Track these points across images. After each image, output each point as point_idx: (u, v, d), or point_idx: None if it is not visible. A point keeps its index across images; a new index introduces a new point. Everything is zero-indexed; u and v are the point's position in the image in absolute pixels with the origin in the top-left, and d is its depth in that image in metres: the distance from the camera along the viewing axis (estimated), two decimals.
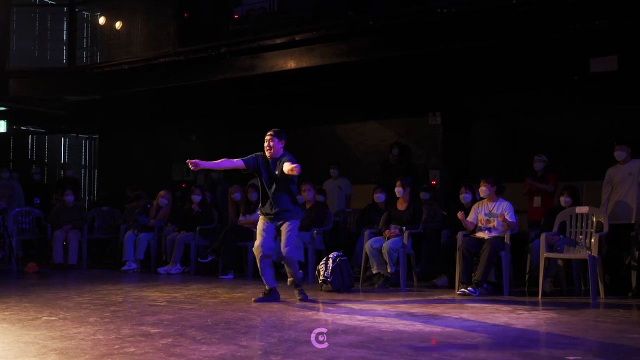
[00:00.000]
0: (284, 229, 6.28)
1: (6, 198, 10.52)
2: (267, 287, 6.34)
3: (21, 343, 4.24)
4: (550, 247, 6.83)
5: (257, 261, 6.35)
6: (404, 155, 10.24)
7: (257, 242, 6.32)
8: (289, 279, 6.47)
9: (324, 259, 7.14)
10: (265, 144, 6.25)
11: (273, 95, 11.24)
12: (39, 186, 12.04)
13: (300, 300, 6.28)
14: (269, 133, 6.26)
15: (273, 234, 6.39)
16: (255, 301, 6.23)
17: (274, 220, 6.29)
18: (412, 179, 8.23)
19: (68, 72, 11.81)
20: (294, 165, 5.81)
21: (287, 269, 6.41)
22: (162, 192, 9.86)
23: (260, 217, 6.42)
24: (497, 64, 9.29)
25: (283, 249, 6.24)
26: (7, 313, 5.42)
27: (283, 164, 6.02)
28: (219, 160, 6.37)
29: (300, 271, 6.69)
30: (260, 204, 6.43)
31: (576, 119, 9.30)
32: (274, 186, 6.25)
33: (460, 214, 7.13)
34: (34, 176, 12.13)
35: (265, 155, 6.30)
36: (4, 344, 4.26)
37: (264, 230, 6.32)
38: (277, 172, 6.18)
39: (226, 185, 11.08)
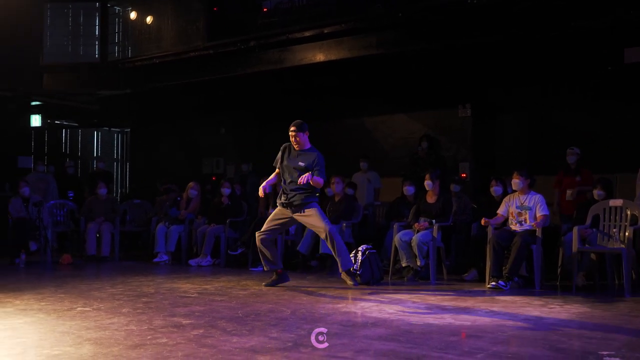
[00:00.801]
0: (307, 215, 6.45)
1: (41, 191, 10.70)
2: (268, 269, 6.77)
3: (57, 333, 4.32)
4: (583, 241, 6.73)
5: (257, 245, 6.68)
6: (433, 148, 10.17)
7: (263, 228, 6.69)
8: (340, 269, 6.58)
9: (353, 252, 7.12)
10: (292, 139, 6.52)
11: (302, 88, 11.24)
12: (72, 179, 12.23)
13: (354, 285, 6.46)
14: (291, 129, 6.50)
15: (279, 226, 6.71)
16: (265, 285, 6.66)
17: (288, 204, 6.49)
18: (441, 171, 8.18)
19: (100, 67, 11.96)
20: (304, 177, 6.24)
21: (333, 252, 6.51)
22: (191, 184, 9.93)
23: (278, 205, 6.70)
24: (526, 56, 9.16)
25: (322, 230, 6.42)
26: (43, 303, 5.52)
27: (308, 170, 6.34)
28: (271, 177, 6.83)
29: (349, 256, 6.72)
30: (279, 194, 6.68)
31: (608, 111, 9.14)
32: (292, 175, 6.49)
33: (484, 221, 7.02)
34: (68, 170, 12.32)
35: (292, 146, 6.58)
36: (40, 333, 4.34)
37: (272, 219, 6.69)
38: (300, 164, 6.43)
39: (256, 178, 11.12)
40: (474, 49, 9.00)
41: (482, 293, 6.43)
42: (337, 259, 6.53)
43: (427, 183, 7.79)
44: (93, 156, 15.13)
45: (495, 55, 9.22)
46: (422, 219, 7.65)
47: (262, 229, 6.69)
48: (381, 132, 11.24)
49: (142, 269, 8.41)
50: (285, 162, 6.58)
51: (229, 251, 8.75)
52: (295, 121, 6.52)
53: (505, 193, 7.48)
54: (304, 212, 6.47)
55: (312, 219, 6.47)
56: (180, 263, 9.17)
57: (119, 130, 15.49)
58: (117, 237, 9.73)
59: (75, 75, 12.09)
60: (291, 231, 8.75)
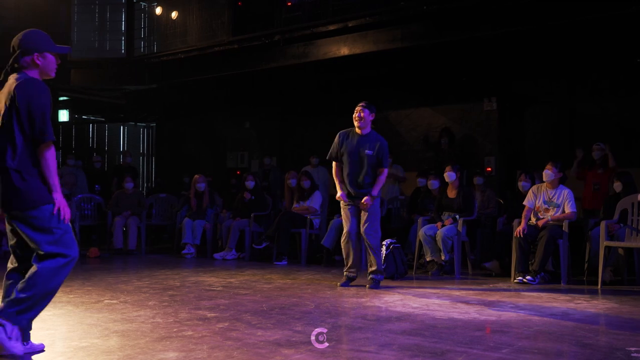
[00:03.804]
0: (369, 207, 6.16)
1: (70, 185, 10.85)
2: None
3: (85, 325, 4.38)
4: (611, 236, 6.64)
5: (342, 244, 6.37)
6: (453, 142, 10.09)
7: (345, 229, 6.32)
8: (369, 270, 6.30)
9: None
10: (355, 115, 6.20)
11: (326, 82, 11.23)
12: (99, 174, 12.37)
13: (370, 287, 6.17)
14: (359, 104, 6.21)
15: (358, 219, 6.26)
16: (341, 285, 6.30)
17: (356, 199, 6.21)
18: (461, 165, 8.12)
19: (126, 62, 12.07)
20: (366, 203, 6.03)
21: (368, 256, 6.31)
22: (196, 177, 9.84)
23: (341, 202, 6.31)
24: (552, 48, 9.02)
25: (363, 232, 6.21)
26: (71, 296, 5.61)
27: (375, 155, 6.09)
28: (335, 178, 6.38)
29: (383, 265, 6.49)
30: (343, 183, 6.31)
31: (637, 103, 8.98)
32: (357, 165, 6.17)
33: (518, 232, 6.75)
34: (95, 164, 12.47)
35: (353, 131, 6.26)
36: (68, 325, 4.41)
37: (348, 217, 6.27)
38: (368, 152, 6.09)
39: (278, 172, 11.17)
40: (499, 41, 8.89)
41: (508, 288, 6.39)
42: (370, 262, 6.28)
43: (449, 174, 7.72)
44: (119, 150, 15.30)
45: (521, 47, 9.10)
46: (445, 214, 7.61)
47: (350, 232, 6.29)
48: (405, 126, 11.19)
49: (168, 263, 8.50)
50: (347, 150, 6.20)
51: (253, 245, 8.79)
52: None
53: None
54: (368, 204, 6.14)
55: (369, 215, 6.17)
56: (205, 257, 9.24)
57: (144, 124, 15.64)
58: (144, 230, 9.83)
59: (102, 70, 12.21)
60: (315, 225, 8.77)
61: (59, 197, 3.48)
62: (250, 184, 9.47)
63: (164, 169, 14.65)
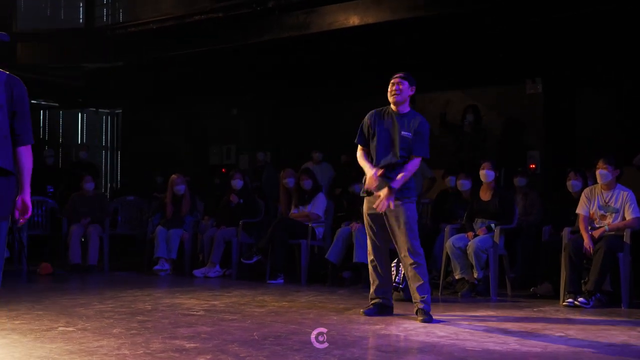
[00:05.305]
0: (398, 214, 5.81)
1: None
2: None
3: (34, 358, 4.38)
4: None
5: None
6: (479, 123, 10.04)
7: (368, 248, 6.08)
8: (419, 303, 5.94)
9: (395, 261, 7.10)
10: (391, 88, 5.93)
11: (331, 61, 11.21)
12: (52, 172, 12.35)
13: (423, 321, 5.77)
14: (396, 75, 5.94)
15: (386, 231, 5.96)
16: (364, 313, 6.02)
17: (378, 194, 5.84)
18: (498, 160, 8.10)
19: (85, 34, 12.06)
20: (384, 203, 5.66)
21: (407, 271, 5.98)
22: (174, 177, 9.82)
23: (365, 205, 6.07)
24: (617, 27, 8.98)
25: (399, 243, 5.88)
26: (17, 322, 5.61)
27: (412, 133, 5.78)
28: (362, 161, 6.05)
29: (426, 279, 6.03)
30: (363, 180, 6.07)
31: None
32: (390, 150, 5.91)
33: (589, 246, 6.72)
34: (47, 160, 12.45)
35: (389, 109, 6.02)
36: (14, 358, 4.41)
37: (370, 229, 6.00)
38: (404, 133, 5.82)
39: (272, 170, 11.15)
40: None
41: (555, 313, 6.40)
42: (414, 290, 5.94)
43: (487, 173, 7.68)
44: (77, 143, 15.30)
45: (580, 22, 9.03)
46: (479, 222, 7.61)
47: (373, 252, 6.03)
48: (429, 113, 11.15)
49: (137, 281, 8.52)
50: (377, 133, 5.93)
51: (242, 259, 8.80)
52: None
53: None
54: (400, 208, 5.78)
55: (401, 226, 5.81)
56: (183, 274, 9.25)
57: (108, 111, 15.64)
58: (107, 242, 9.83)
59: (56, 44, 12.21)
60: (318, 234, 8.78)
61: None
62: (237, 184, 9.47)
63: (132, 166, 14.65)
